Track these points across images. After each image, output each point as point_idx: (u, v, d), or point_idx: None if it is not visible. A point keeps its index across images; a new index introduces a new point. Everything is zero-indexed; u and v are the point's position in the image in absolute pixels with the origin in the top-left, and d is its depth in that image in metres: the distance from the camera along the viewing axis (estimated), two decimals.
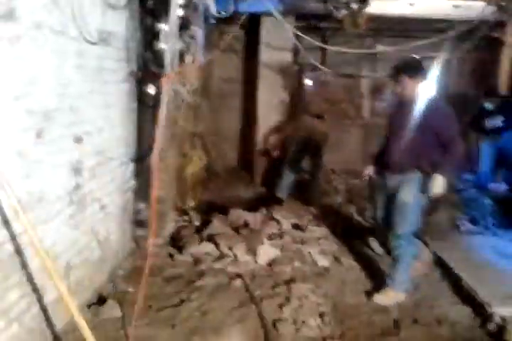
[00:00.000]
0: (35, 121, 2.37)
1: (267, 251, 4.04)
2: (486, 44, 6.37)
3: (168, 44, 3.31)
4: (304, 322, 3.08)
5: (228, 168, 6.66)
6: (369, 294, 3.57)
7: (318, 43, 5.90)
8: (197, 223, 4.65)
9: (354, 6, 5.54)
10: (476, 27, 5.62)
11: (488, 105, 6.40)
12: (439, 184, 3.35)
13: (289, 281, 3.65)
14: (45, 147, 2.47)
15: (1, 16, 2.03)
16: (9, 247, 2.17)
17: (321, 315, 3.18)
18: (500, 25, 6.23)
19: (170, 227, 4.39)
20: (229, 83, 7.67)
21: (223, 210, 4.94)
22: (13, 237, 2.18)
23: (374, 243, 4.37)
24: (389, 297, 3.48)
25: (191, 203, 4.72)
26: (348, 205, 5.95)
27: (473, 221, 5.20)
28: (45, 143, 2.47)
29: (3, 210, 2.09)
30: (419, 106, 3.46)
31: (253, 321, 3.08)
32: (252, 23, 6.85)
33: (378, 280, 3.76)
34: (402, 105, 3.60)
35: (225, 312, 3.17)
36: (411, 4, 6.19)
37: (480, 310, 3.32)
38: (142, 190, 4.02)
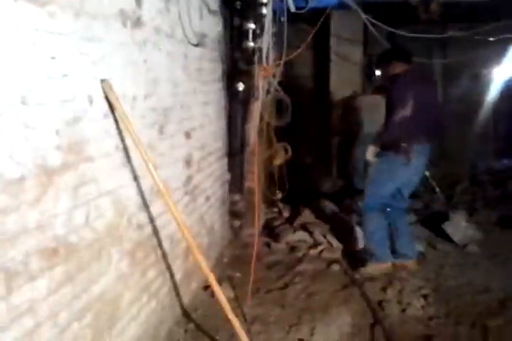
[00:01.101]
0: (158, 118, 2.61)
1: (359, 237, 4.15)
2: None
3: (262, 41, 3.49)
4: (408, 303, 3.17)
5: (306, 161, 6.80)
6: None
7: (394, 30, 5.90)
8: (286, 214, 4.84)
9: None
10: None
11: None
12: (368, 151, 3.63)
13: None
14: (165, 141, 2.71)
15: (133, 24, 2.27)
16: (148, 229, 2.42)
17: (425, 297, 3.27)
18: None
19: (262, 218, 4.59)
20: (301, 78, 7.79)
21: (308, 201, 5.11)
22: (151, 220, 2.44)
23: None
24: (373, 269, 3.65)
25: (279, 194, 4.89)
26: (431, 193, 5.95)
27: None
28: (166, 138, 2.72)
29: (144, 195, 2.34)
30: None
31: (358, 302, 3.22)
32: (320, 16, 6.93)
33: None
34: None
35: (329, 294, 3.34)
36: None
37: None
38: (236, 182, 4.26)
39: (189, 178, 3.15)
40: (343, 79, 7.22)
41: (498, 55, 7.51)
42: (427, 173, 4.61)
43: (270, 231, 4.44)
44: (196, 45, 3.28)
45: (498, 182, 6.00)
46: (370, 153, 3.60)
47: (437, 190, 4.95)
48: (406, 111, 3.40)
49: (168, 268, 2.73)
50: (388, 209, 3.78)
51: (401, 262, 3.75)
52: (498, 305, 3.20)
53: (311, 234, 4.23)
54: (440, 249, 4.19)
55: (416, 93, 3.46)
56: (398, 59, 3.71)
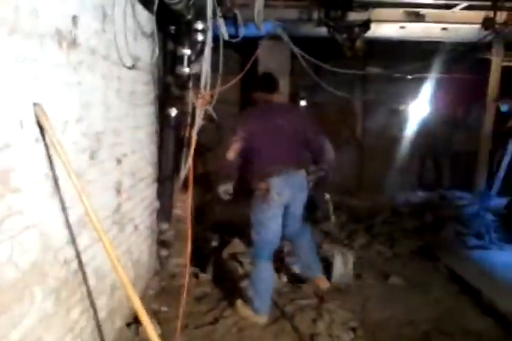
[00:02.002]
0: (90, 143, 2.45)
1: (288, 269, 4.12)
2: (474, 64, 6.68)
3: (199, 67, 3.43)
4: (338, 336, 3.17)
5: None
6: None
7: (321, 64, 6.10)
8: (215, 243, 4.72)
9: (356, 30, 5.77)
10: (465, 48, 5.92)
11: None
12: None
13: (316, 297, 3.75)
14: (96, 168, 2.54)
15: (69, 45, 2.13)
16: (74, 264, 2.23)
17: (353, 329, 3.28)
18: (487, 46, 6.52)
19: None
20: (227, 104, 7.79)
21: (238, 230, 5.03)
22: (77, 254, 2.25)
23: None
24: (246, 314, 3.41)
25: (208, 223, 4.78)
26: (354, 224, 6.12)
27: (479, 236, 5.40)
28: (96, 164, 2.55)
29: (72, 227, 2.16)
30: None
31: (290, 336, 3.18)
32: (246, 46, 7.03)
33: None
34: None
35: (260, 329, 3.26)
36: (402, 27, 6.43)
37: (503, 321, 3.44)
38: (165, 210, 4.10)
39: (118, 207, 2.97)
40: None
41: (415, 92, 7.99)
42: (327, 196, 4.48)
43: (198, 261, 4.28)
44: (130, 68, 3.16)
45: (416, 214, 6.26)
46: (221, 191, 3.51)
47: (332, 217, 4.69)
48: (236, 145, 3.33)
49: (93, 305, 2.52)
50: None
51: (313, 277, 3.76)
52: (423, 338, 3.28)
53: (240, 264, 4.13)
54: (365, 280, 4.24)
55: (264, 126, 3.36)
56: (258, 88, 3.64)
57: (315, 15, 5.82)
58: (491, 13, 5.34)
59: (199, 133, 3.73)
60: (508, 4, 5.25)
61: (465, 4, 5.48)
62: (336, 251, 4.11)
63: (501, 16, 5.33)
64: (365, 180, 9.06)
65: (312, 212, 6.25)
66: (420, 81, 7.73)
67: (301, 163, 3.52)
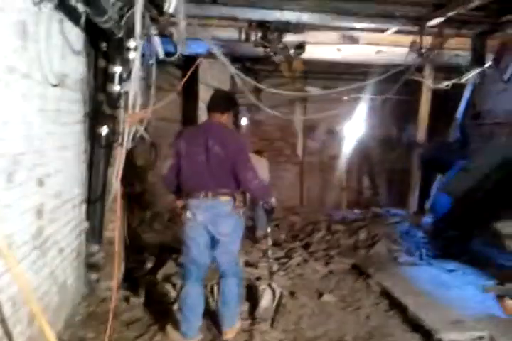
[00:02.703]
0: (6, 165, 2.34)
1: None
2: (406, 86, 6.95)
3: (131, 86, 3.36)
4: None
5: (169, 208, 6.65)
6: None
7: (258, 85, 6.16)
8: (149, 264, 4.60)
9: (291, 51, 5.88)
10: (399, 71, 6.17)
11: None
12: None
13: (248, 317, 3.71)
14: (13, 191, 2.43)
15: None
16: None
17: None
18: (419, 69, 6.81)
19: (122, 269, 4.30)
20: (168, 122, 7.72)
21: (172, 250, 4.94)
22: None
23: None
24: (174, 336, 3.32)
25: (141, 243, 4.67)
26: (293, 241, 6.17)
27: (409, 252, 5.57)
28: (14, 187, 2.44)
29: None
30: None
31: None
32: (189, 63, 7.02)
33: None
34: None
35: None
36: (339, 49, 6.64)
37: (428, 337, 3.51)
38: (95, 231, 3.97)
39: (39, 230, 2.84)
40: None
41: (352, 112, 8.23)
42: (268, 229, 4.41)
43: (131, 284, 4.15)
44: (56, 86, 3.06)
45: (351, 231, 6.38)
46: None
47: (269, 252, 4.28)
48: (168, 161, 3.29)
49: (8, 335, 2.38)
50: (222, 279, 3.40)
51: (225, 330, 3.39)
52: None
53: (174, 286, 4.03)
54: (299, 298, 4.24)
55: (192, 146, 3.24)
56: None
57: (253, 36, 5.91)
58: (418, 38, 5.63)
59: (134, 153, 3.68)
60: (433, 30, 5.54)
61: (395, 29, 5.74)
62: (266, 289, 3.90)
63: (427, 41, 5.63)
64: (305, 196, 9.21)
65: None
66: (357, 102, 7.99)
67: (224, 189, 3.26)
